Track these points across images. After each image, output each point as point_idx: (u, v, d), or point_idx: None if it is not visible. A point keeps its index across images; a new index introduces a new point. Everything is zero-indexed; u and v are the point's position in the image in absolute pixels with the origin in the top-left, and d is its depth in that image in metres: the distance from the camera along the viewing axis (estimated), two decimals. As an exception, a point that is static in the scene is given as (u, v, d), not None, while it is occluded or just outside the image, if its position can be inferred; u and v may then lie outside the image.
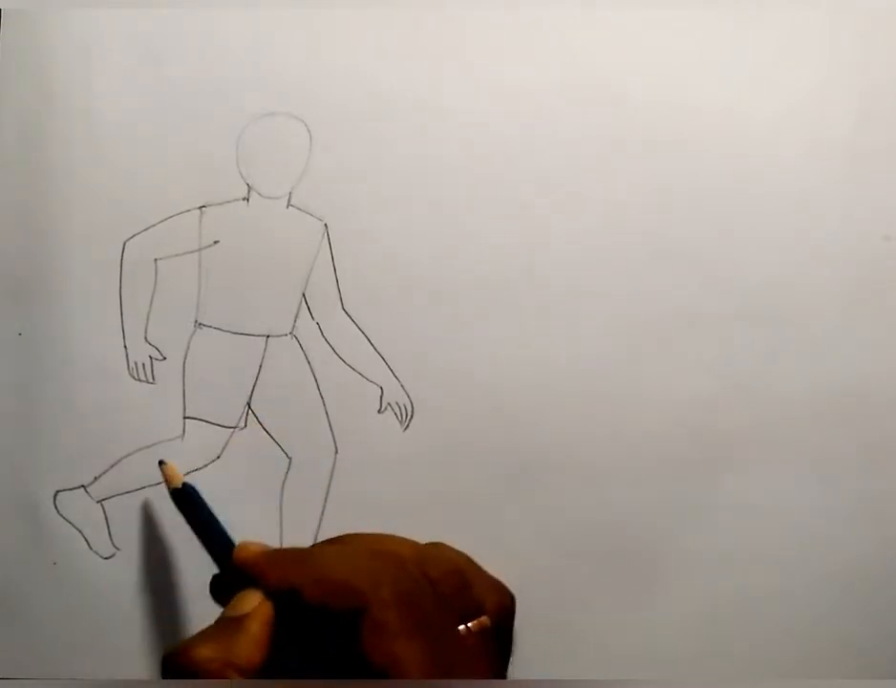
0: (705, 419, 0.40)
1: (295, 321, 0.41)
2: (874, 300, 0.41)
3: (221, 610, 0.33)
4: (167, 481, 0.38)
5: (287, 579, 0.32)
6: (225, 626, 0.31)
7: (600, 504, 0.40)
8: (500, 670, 0.34)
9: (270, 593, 0.32)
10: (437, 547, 0.35)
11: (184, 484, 0.37)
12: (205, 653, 0.30)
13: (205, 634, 0.31)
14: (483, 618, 0.33)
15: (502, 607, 0.35)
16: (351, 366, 0.40)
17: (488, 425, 0.40)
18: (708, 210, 0.41)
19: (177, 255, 0.41)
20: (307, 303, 0.41)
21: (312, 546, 0.35)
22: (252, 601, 0.32)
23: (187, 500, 0.37)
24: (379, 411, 0.40)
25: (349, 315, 0.41)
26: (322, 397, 0.40)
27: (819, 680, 0.40)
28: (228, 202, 0.41)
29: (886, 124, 0.41)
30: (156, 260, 0.41)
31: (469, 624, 0.32)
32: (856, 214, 0.41)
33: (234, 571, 0.33)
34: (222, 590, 0.34)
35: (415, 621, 0.30)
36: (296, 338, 0.41)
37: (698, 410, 0.40)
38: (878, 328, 0.41)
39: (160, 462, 0.38)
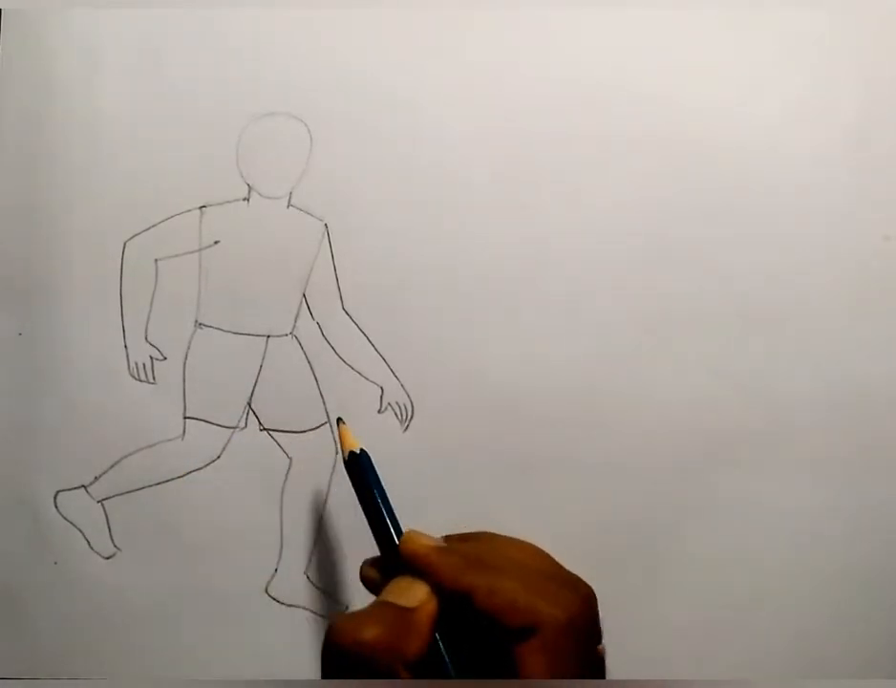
0: (705, 419, 0.40)
1: (295, 321, 0.41)
2: (874, 300, 0.41)
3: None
4: (342, 443, 0.35)
5: (460, 582, 0.31)
6: (392, 613, 0.30)
7: (600, 503, 0.40)
8: None
9: (440, 592, 0.31)
10: (565, 569, 0.34)
11: (361, 451, 0.35)
12: (377, 638, 0.29)
13: (372, 616, 0.30)
14: (601, 646, 0.33)
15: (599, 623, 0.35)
16: (351, 366, 0.40)
17: (488, 425, 0.40)
18: (708, 210, 0.41)
19: (177, 255, 0.41)
20: (307, 303, 0.41)
21: (464, 542, 0.33)
22: (420, 594, 0.31)
23: (361, 468, 0.34)
24: (379, 411, 0.40)
25: (349, 315, 0.41)
26: (322, 397, 0.40)
27: (819, 680, 0.40)
28: (228, 202, 0.41)
29: (886, 124, 0.41)
30: (156, 260, 0.41)
31: (599, 648, 0.32)
32: (856, 214, 0.41)
33: (399, 561, 0.32)
34: (383, 571, 0.33)
35: (577, 646, 0.30)
36: (296, 338, 0.41)
37: (698, 410, 0.40)
38: (878, 328, 0.41)
39: (338, 420, 0.36)
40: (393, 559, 0.33)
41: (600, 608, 0.33)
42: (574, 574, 0.33)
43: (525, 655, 0.29)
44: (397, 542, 0.33)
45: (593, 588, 0.33)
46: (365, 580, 0.34)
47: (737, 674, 0.40)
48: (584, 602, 0.32)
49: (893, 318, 0.41)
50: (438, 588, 0.31)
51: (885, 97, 0.41)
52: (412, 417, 0.40)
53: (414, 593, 0.31)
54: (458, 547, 0.33)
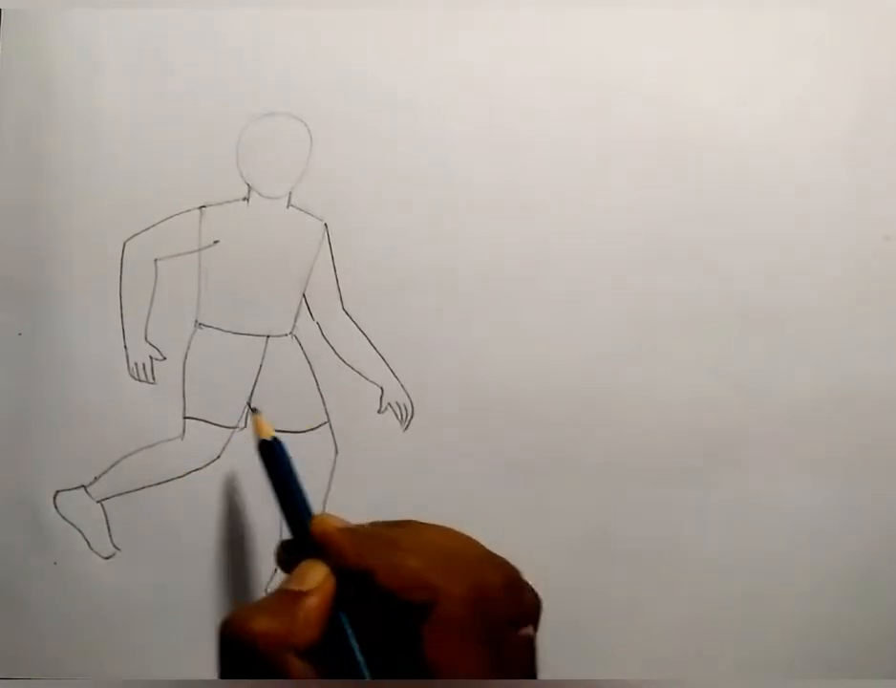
0: (705, 419, 0.40)
1: (295, 321, 0.41)
2: (874, 300, 0.41)
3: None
4: (257, 430, 0.36)
5: (363, 560, 0.31)
6: (287, 599, 0.31)
7: (600, 503, 0.40)
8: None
9: (343, 571, 0.31)
10: (489, 551, 0.35)
11: (274, 438, 0.36)
12: (264, 625, 0.29)
13: (265, 606, 0.31)
14: (529, 629, 0.33)
15: (539, 612, 0.34)
16: (351, 366, 0.40)
17: (488, 425, 0.40)
18: (708, 210, 0.41)
19: (177, 255, 0.41)
20: (307, 303, 0.41)
21: (387, 528, 0.34)
22: (317, 576, 0.31)
23: (273, 454, 0.35)
24: (379, 411, 0.40)
25: (349, 315, 0.41)
26: (322, 397, 0.40)
27: (819, 680, 0.40)
28: (228, 202, 0.41)
29: (887, 124, 0.41)
30: (156, 260, 0.41)
31: (521, 632, 0.32)
32: (856, 214, 0.41)
33: (309, 542, 0.33)
34: (290, 557, 0.33)
35: (482, 624, 0.30)
36: (296, 338, 0.41)
37: (699, 410, 0.40)
38: (878, 328, 0.41)
39: (253, 410, 0.37)
40: (305, 543, 0.33)
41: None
42: (500, 558, 0.33)
43: (425, 631, 0.29)
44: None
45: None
46: (280, 563, 0.34)
47: (737, 674, 0.40)
48: (497, 582, 0.32)
49: (893, 318, 0.41)
50: (344, 569, 0.31)
51: (885, 97, 0.41)
52: (412, 417, 0.40)
53: (311, 576, 0.31)
54: (369, 528, 0.33)
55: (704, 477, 0.40)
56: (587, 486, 0.40)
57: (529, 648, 0.32)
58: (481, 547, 0.34)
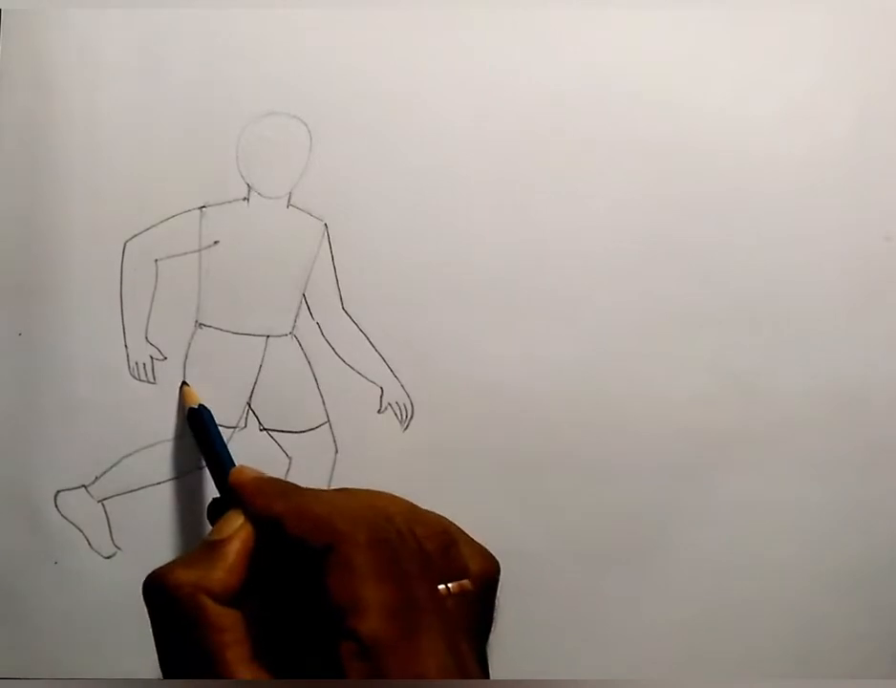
0: (705, 419, 0.40)
1: (295, 321, 0.41)
2: (874, 300, 0.41)
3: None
4: (185, 400, 0.39)
5: (270, 508, 0.32)
6: (205, 549, 0.32)
7: (600, 504, 0.40)
8: (479, 636, 0.33)
9: (255, 520, 0.32)
10: (427, 511, 0.35)
11: (200, 405, 0.39)
12: (179, 576, 0.30)
13: (184, 558, 0.32)
14: (465, 581, 0.32)
15: (487, 573, 0.34)
16: (351, 366, 0.40)
17: (488, 425, 0.40)
18: (708, 210, 0.41)
19: (177, 255, 0.41)
20: (307, 303, 0.41)
21: (324, 492, 0.34)
22: (233, 524, 0.32)
23: (200, 420, 0.38)
24: (379, 411, 0.40)
25: (349, 315, 0.41)
26: (322, 397, 0.40)
27: (819, 680, 0.40)
28: (228, 202, 0.41)
29: (887, 124, 0.41)
30: (156, 260, 0.41)
31: (450, 584, 0.32)
32: (856, 214, 0.41)
33: (229, 494, 0.34)
34: (216, 513, 0.34)
35: (386, 568, 0.30)
36: (296, 338, 0.41)
37: (698, 410, 0.40)
38: (878, 328, 0.41)
39: (183, 383, 0.40)
40: (229, 498, 0.34)
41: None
42: (435, 516, 0.34)
43: (330, 573, 0.29)
44: None
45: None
46: (210, 520, 0.35)
47: (737, 674, 0.40)
48: (418, 532, 0.32)
49: (893, 318, 0.41)
50: (256, 516, 0.32)
51: (886, 98, 0.41)
52: (412, 417, 0.40)
53: (228, 525, 0.32)
54: (282, 480, 0.34)
55: (704, 477, 0.40)
56: (587, 486, 0.40)
57: (466, 602, 0.32)
58: (410, 504, 0.34)
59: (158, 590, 0.30)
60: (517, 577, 0.39)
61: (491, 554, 0.35)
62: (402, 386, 0.40)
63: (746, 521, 0.40)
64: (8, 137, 0.40)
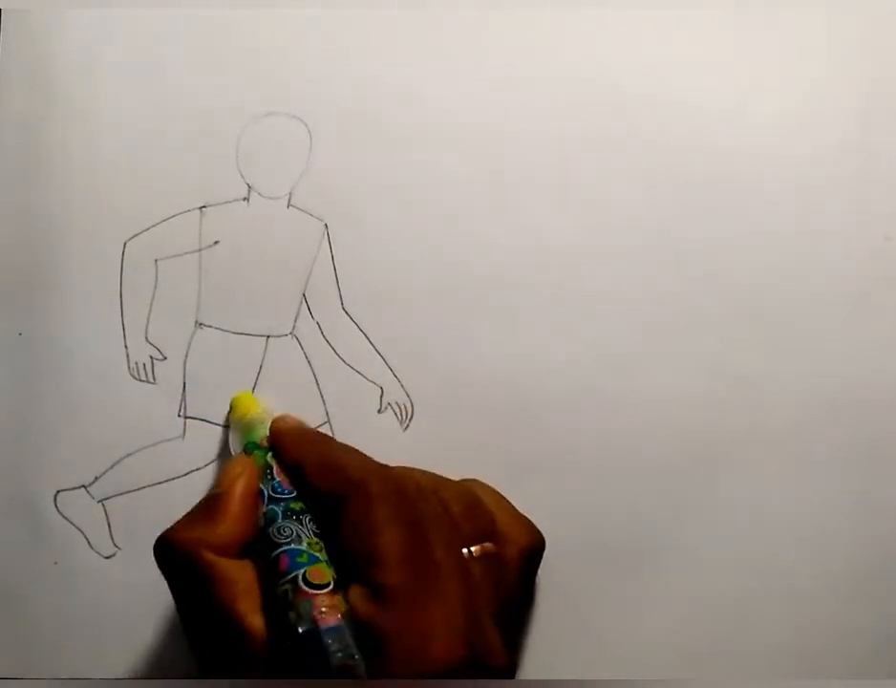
0: (704, 419, 0.40)
1: (295, 321, 0.41)
2: (875, 300, 0.41)
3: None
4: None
5: (296, 455, 0.32)
6: (206, 504, 0.32)
7: (600, 504, 0.40)
8: (508, 607, 0.33)
9: (287, 467, 0.33)
10: (457, 481, 0.36)
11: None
12: (182, 534, 0.30)
13: (188, 515, 0.32)
14: (488, 544, 0.32)
15: (529, 545, 0.34)
16: (351, 366, 0.40)
17: (488, 425, 0.40)
18: (708, 210, 0.41)
19: (177, 255, 0.41)
20: (307, 303, 0.41)
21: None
22: (230, 475, 0.32)
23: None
24: (379, 411, 0.40)
25: (349, 315, 0.41)
26: (322, 397, 0.40)
27: (819, 680, 0.40)
28: (228, 202, 0.41)
29: (887, 124, 0.41)
30: (156, 260, 0.41)
31: (472, 548, 0.32)
32: (857, 214, 0.41)
33: (271, 441, 0.34)
34: None
35: (401, 519, 0.30)
36: (296, 338, 0.41)
37: (698, 410, 0.40)
38: (878, 328, 0.41)
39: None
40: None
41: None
42: (466, 483, 0.35)
43: (339, 521, 0.30)
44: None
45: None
46: None
47: (737, 674, 0.40)
48: (443, 495, 0.32)
49: (893, 318, 0.41)
50: (286, 463, 0.33)
51: (886, 97, 0.41)
52: (412, 417, 0.40)
53: (227, 476, 0.32)
54: (316, 431, 0.36)
55: (704, 477, 0.40)
56: (587, 486, 0.40)
57: (490, 565, 0.32)
58: (440, 476, 0.35)
59: (165, 550, 0.31)
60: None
61: (535, 527, 0.35)
62: (402, 386, 0.40)
63: (746, 521, 0.40)
64: (8, 137, 0.40)
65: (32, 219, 0.40)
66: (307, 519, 0.31)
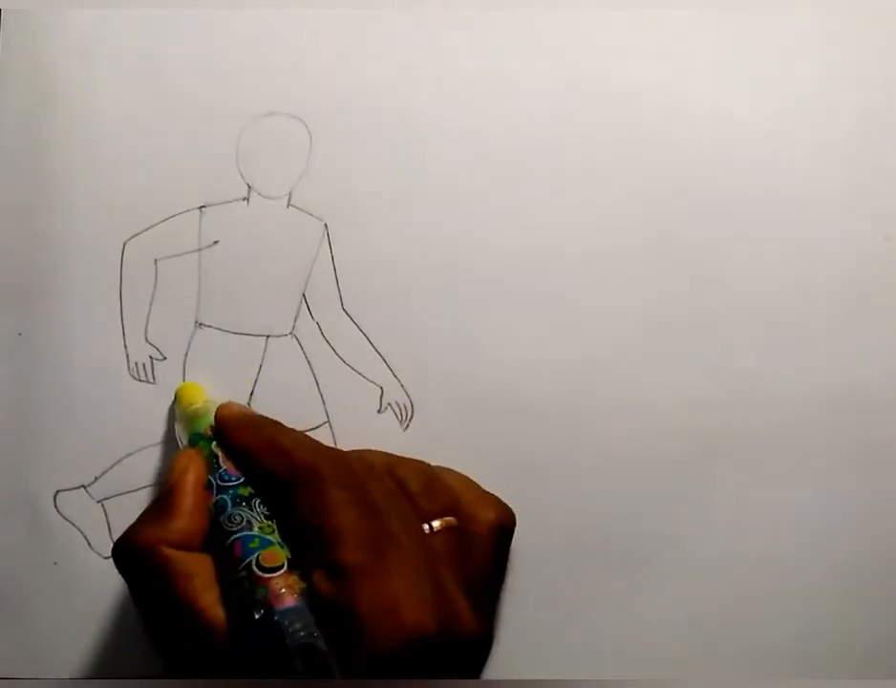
0: (704, 420, 0.40)
1: (295, 321, 0.41)
2: (875, 300, 0.41)
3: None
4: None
5: (243, 440, 0.32)
6: (158, 501, 0.32)
7: (599, 504, 0.40)
8: (478, 581, 0.33)
9: (233, 454, 0.32)
10: (410, 458, 0.36)
11: None
12: (138, 534, 0.30)
13: (142, 515, 0.32)
14: (450, 518, 0.33)
15: (498, 521, 0.35)
16: (351, 366, 0.40)
17: (488, 426, 0.40)
18: (708, 210, 0.41)
19: (177, 255, 0.41)
20: (307, 303, 0.41)
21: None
22: (178, 468, 0.32)
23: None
24: (379, 411, 0.40)
25: (349, 315, 0.41)
26: (322, 397, 0.40)
27: (819, 680, 0.40)
28: (228, 202, 0.41)
29: (887, 124, 0.41)
30: (156, 260, 0.41)
31: (434, 523, 0.32)
32: (857, 214, 0.41)
33: (216, 429, 0.34)
34: None
35: (351, 498, 0.30)
36: (296, 338, 0.41)
37: (698, 410, 0.40)
38: (878, 328, 0.41)
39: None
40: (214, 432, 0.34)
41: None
42: (417, 461, 0.35)
43: (289, 504, 0.30)
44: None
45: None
46: None
47: (737, 674, 0.40)
48: (387, 475, 0.32)
49: (893, 318, 0.41)
50: (232, 449, 0.33)
51: (886, 98, 0.41)
52: (412, 417, 0.40)
53: (174, 470, 0.32)
54: (262, 417, 0.35)
55: (703, 477, 0.40)
56: (587, 486, 0.40)
57: (453, 539, 0.32)
58: (393, 455, 0.35)
59: (123, 552, 0.30)
60: (517, 577, 0.39)
61: (504, 504, 0.35)
62: (402, 386, 0.40)
63: (746, 521, 0.40)
64: (8, 137, 0.40)
65: (32, 219, 0.40)
66: (256, 503, 0.31)
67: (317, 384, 0.41)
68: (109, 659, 0.40)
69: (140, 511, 0.39)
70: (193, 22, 0.41)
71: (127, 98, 0.41)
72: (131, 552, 0.30)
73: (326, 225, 0.41)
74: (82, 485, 0.40)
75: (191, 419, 0.37)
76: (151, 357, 0.40)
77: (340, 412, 0.40)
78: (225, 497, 0.32)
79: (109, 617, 0.40)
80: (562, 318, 0.40)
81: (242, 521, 0.30)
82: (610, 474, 0.40)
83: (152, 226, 0.40)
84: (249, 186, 0.41)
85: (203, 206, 0.41)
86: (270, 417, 0.36)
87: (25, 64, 0.41)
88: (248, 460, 0.32)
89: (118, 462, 0.40)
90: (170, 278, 0.41)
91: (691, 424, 0.40)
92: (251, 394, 0.41)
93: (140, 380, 0.40)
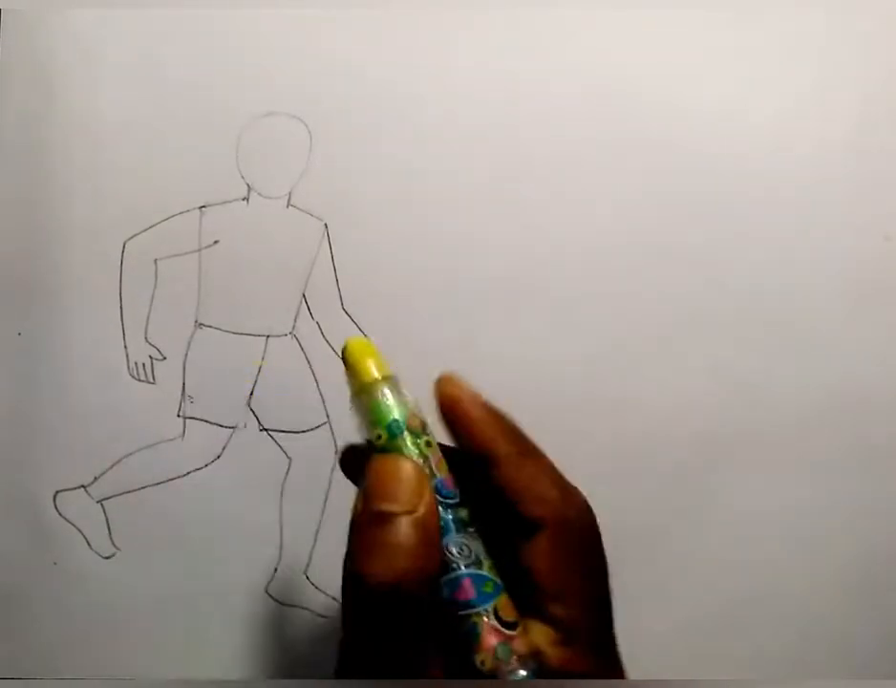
0: (705, 420, 0.40)
1: (295, 321, 0.41)
2: (875, 300, 0.41)
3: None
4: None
5: (494, 448, 0.26)
6: (391, 528, 0.24)
7: (599, 504, 0.40)
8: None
9: (459, 453, 0.26)
10: None
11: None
12: (377, 570, 0.23)
13: (369, 544, 0.24)
14: None
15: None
16: (351, 366, 0.40)
17: (488, 425, 0.40)
18: (708, 211, 0.41)
19: (177, 255, 0.41)
20: (307, 303, 0.41)
21: None
22: (414, 488, 0.24)
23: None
24: (379, 411, 0.40)
25: (349, 315, 0.40)
26: (322, 397, 0.40)
27: (819, 680, 0.40)
28: (228, 202, 0.41)
29: (887, 124, 0.41)
30: (156, 260, 0.41)
31: None
32: (857, 214, 0.41)
33: (450, 429, 0.26)
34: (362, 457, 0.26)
35: (591, 556, 0.27)
36: (296, 338, 0.41)
37: (698, 411, 0.40)
38: (878, 328, 0.41)
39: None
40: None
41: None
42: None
43: (532, 548, 0.25)
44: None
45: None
46: (345, 465, 0.29)
47: (737, 674, 0.40)
48: (585, 508, 0.28)
49: (893, 318, 0.41)
50: (465, 450, 0.26)
51: (885, 97, 0.41)
52: (412, 417, 0.40)
53: (411, 489, 0.24)
54: (503, 414, 0.28)
55: (703, 477, 0.40)
56: (587, 487, 0.40)
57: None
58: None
59: (356, 586, 0.24)
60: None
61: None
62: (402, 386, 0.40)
63: (747, 521, 0.40)
64: (8, 136, 0.40)
65: (33, 219, 0.40)
66: (474, 532, 0.26)
67: (317, 384, 0.41)
68: (109, 659, 0.40)
69: (140, 511, 0.39)
70: (193, 22, 0.41)
71: (127, 98, 0.41)
72: (364, 589, 0.24)
73: (326, 224, 0.41)
74: (82, 486, 0.40)
75: (379, 398, 0.29)
76: (151, 357, 0.40)
77: (340, 412, 0.40)
78: (447, 516, 0.25)
79: (109, 617, 0.40)
80: (562, 319, 0.40)
81: (470, 554, 0.25)
82: (610, 474, 0.40)
83: (152, 226, 0.40)
84: (249, 186, 0.41)
85: (203, 206, 0.41)
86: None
87: (25, 64, 0.41)
88: (486, 473, 0.25)
89: (118, 462, 0.40)
90: (170, 278, 0.41)
91: (690, 424, 0.40)
92: (251, 394, 0.41)
93: (140, 380, 0.40)
